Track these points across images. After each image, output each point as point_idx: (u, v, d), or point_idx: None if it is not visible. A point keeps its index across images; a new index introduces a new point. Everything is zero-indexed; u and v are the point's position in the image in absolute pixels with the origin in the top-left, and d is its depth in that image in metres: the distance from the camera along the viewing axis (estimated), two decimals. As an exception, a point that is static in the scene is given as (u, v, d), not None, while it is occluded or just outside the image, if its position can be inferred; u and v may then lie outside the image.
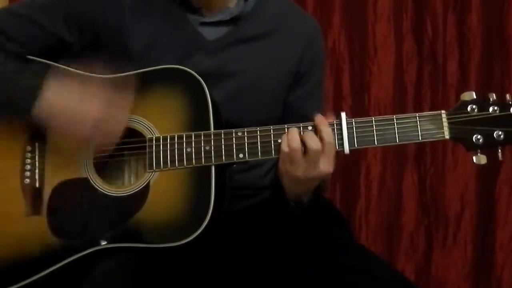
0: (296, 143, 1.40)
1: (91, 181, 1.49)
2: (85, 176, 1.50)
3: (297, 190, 1.49)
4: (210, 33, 1.62)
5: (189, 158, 1.46)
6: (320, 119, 1.44)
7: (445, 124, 1.41)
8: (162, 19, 1.61)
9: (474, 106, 1.40)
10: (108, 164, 1.56)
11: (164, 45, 1.59)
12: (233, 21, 1.63)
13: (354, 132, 1.42)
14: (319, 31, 1.77)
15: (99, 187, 1.49)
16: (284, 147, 1.42)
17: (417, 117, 1.42)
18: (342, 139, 1.42)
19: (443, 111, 1.41)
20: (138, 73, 1.53)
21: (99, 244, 1.45)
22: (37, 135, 1.54)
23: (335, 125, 1.43)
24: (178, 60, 1.54)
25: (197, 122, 1.48)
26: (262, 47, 1.65)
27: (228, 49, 1.62)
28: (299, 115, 1.55)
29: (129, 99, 1.48)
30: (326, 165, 1.41)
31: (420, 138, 1.42)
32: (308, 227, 1.61)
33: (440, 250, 2.52)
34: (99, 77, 1.53)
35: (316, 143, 1.40)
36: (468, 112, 1.40)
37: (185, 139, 1.47)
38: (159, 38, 1.60)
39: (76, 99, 1.46)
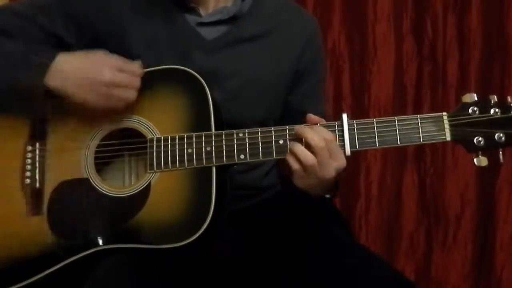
0: (312, 159, 1.39)
1: (92, 181, 1.49)
2: (85, 176, 1.50)
3: (319, 190, 1.49)
4: (209, 33, 1.62)
5: (190, 159, 1.46)
6: (311, 118, 1.45)
7: (446, 126, 1.41)
8: (161, 19, 1.61)
9: (475, 108, 1.40)
10: (109, 164, 1.56)
11: (163, 45, 1.60)
12: (231, 20, 1.63)
13: (356, 133, 1.42)
14: (318, 28, 1.77)
15: (99, 188, 1.49)
16: (296, 165, 1.41)
17: (419, 119, 1.42)
18: (343, 140, 1.42)
19: (444, 113, 1.41)
20: (139, 73, 1.53)
21: (99, 245, 1.45)
22: (38, 134, 1.54)
23: (336, 126, 1.43)
24: (177, 60, 1.54)
25: (198, 122, 1.48)
26: (261, 46, 1.65)
27: (226, 49, 1.62)
28: (301, 113, 1.55)
29: (139, 68, 1.49)
30: (337, 159, 1.41)
31: (421, 140, 1.42)
32: (308, 227, 1.61)
33: (440, 250, 2.52)
34: None
35: (321, 140, 1.40)
36: (469, 114, 1.40)
37: (186, 140, 1.47)
38: (158, 39, 1.60)
39: (87, 64, 1.47)
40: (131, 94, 1.48)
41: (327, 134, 1.40)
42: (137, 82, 1.48)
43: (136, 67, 1.49)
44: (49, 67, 1.46)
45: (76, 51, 1.59)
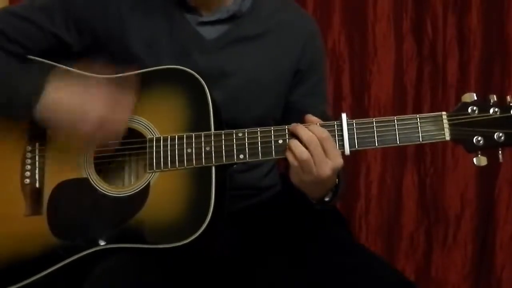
0: (306, 155, 1.39)
1: (91, 181, 1.49)
2: (85, 176, 1.50)
3: (317, 190, 1.49)
4: (209, 32, 1.62)
5: (189, 159, 1.46)
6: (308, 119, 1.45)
7: (446, 125, 1.41)
8: (161, 19, 1.61)
9: (474, 108, 1.40)
10: (109, 164, 1.56)
11: (163, 45, 1.60)
12: (232, 19, 1.64)
13: (355, 133, 1.42)
14: (317, 28, 1.78)
15: (99, 187, 1.49)
16: (294, 161, 1.41)
17: (418, 119, 1.42)
18: (342, 140, 1.42)
19: (443, 113, 1.41)
20: (138, 73, 1.53)
21: (99, 245, 1.45)
22: (38, 135, 1.54)
23: (335, 126, 1.43)
24: (177, 60, 1.54)
25: (198, 122, 1.48)
26: (261, 46, 1.65)
27: (227, 48, 1.62)
28: (303, 112, 1.55)
29: (132, 99, 1.48)
30: (332, 158, 1.40)
31: (420, 140, 1.42)
32: (307, 227, 1.61)
33: (440, 250, 2.52)
34: (100, 77, 1.54)
35: (312, 137, 1.40)
36: (468, 114, 1.40)
37: (186, 140, 1.47)
38: (158, 38, 1.60)
39: (78, 99, 1.46)
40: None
41: (321, 132, 1.40)
42: (115, 137, 1.49)
43: (124, 115, 1.48)
44: (39, 99, 1.45)
45: (76, 51, 1.60)
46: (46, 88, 1.45)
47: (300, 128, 1.42)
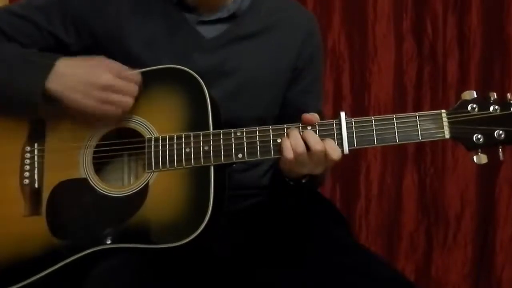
0: (302, 148, 1.40)
1: (90, 181, 1.49)
2: (84, 176, 1.50)
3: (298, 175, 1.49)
4: (209, 32, 1.62)
5: (188, 158, 1.46)
6: (306, 117, 1.44)
7: (445, 123, 1.40)
8: (160, 19, 1.61)
9: (474, 105, 1.39)
10: (108, 164, 1.56)
11: (162, 44, 1.60)
12: (231, 18, 1.64)
13: (354, 131, 1.42)
14: (316, 25, 1.78)
15: (98, 187, 1.48)
16: (289, 154, 1.41)
17: (417, 117, 1.41)
18: (341, 138, 1.41)
19: (443, 111, 1.41)
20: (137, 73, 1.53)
21: (98, 245, 1.44)
22: (37, 135, 1.54)
23: (334, 124, 1.43)
24: (176, 59, 1.54)
25: (196, 122, 1.48)
26: (261, 44, 1.65)
27: (226, 47, 1.62)
28: (298, 110, 1.55)
29: (137, 76, 1.49)
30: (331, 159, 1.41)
31: (420, 138, 1.41)
32: (307, 227, 1.61)
33: (440, 250, 2.52)
34: None
35: (320, 145, 1.40)
36: (468, 112, 1.40)
37: (184, 140, 1.46)
38: (157, 38, 1.60)
39: (86, 68, 1.48)
40: (128, 101, 1.48)
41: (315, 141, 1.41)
42: (134, 89, 1.48)
43: (135, 74, 1.48)
44: (50, 69, 1.46)
45: (75, 51, 1.60)
46: (55, 64, 1.48)
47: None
